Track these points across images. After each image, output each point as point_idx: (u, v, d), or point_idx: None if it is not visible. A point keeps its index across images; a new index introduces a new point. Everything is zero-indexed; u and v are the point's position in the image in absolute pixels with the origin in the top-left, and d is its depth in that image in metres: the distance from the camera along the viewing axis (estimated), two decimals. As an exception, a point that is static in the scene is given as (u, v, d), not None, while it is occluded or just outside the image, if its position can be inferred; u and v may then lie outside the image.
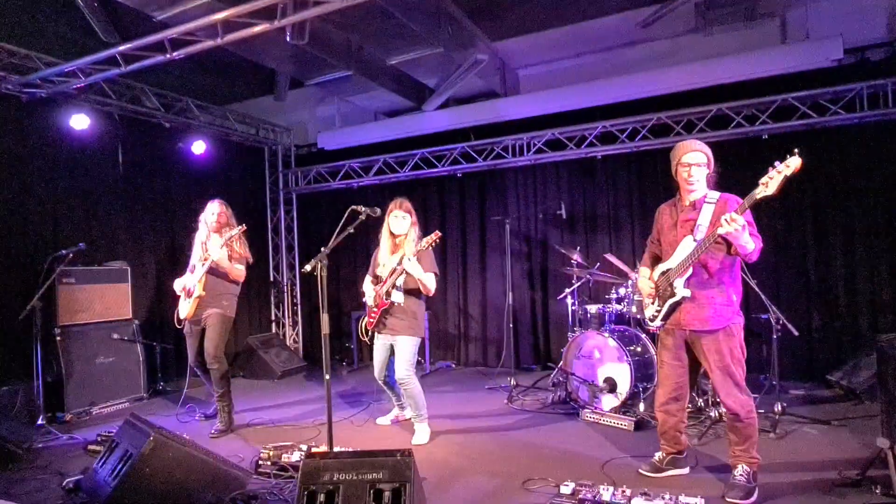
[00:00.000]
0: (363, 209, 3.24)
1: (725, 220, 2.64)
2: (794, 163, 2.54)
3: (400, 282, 3.88)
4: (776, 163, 2.57)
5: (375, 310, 3.98)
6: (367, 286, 4.12)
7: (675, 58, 5.62)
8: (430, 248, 3.68)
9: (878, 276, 5.04)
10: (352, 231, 3.15)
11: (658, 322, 3.10)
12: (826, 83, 5.03)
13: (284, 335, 7.77)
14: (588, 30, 5.58)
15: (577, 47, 5.95)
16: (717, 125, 5.39)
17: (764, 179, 2.60)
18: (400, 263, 3.80)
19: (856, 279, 5.14)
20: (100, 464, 2.97)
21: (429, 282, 3.85)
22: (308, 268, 2.95)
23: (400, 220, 3.93)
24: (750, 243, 2.74)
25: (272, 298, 7.85)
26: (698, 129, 5.45)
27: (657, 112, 5.61)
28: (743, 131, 5.31)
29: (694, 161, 2.96)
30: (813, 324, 5.23)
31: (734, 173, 4.17)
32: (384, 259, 4.00)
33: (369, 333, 4.09)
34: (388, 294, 3.89)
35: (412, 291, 3.94)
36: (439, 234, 3.68)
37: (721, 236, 2.76)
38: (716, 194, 2.98)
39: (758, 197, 2.63)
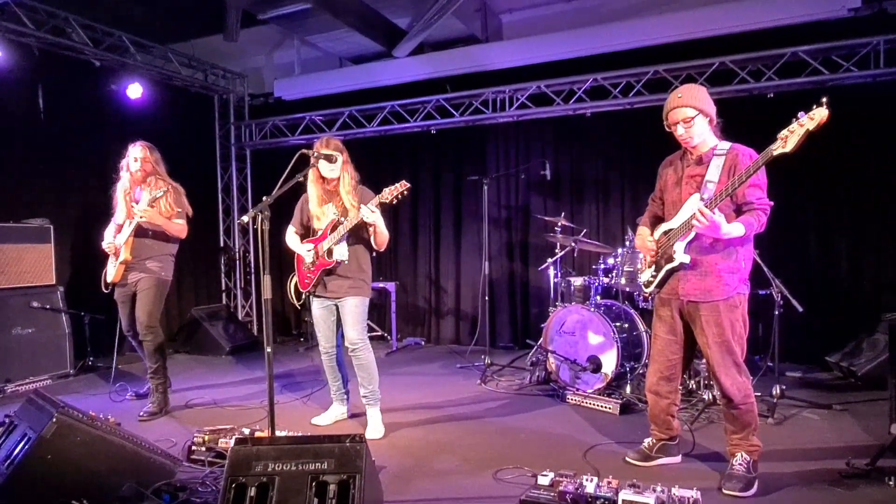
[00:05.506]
0: (315, 153, 2.92)
1: (695, 216, 2.53)
2: (819, 114, 2.29)
3: (341, 240, 3.48)
4: (800, 114, 2.33)
5: (313, 269, 3.57)
6: (293, 240, 3.68)
7: (675, 4, 5.33)
8: (394, 201, 3.27)
9: (885, 251, 4.92)
10: (301, 179, 2.83)
11: (652, 288, 2.91)
12: (840, 36, 4.81)
13: (236, 307, 7.43)
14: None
15: (568, -11, 5.64)
16: (718, 80, 5.15)
17: (783, 133, 2.36)
18: (344, 216, 3.41)
19: (861, 253, 5.02)
20: (-6, 449, 2.66)
21: (386, 235, 3.51)
22: (245, 219, 2.64)
23: (326, 161, 3.41)
24: (736, 231, 2.57)
25: (222, 266, 7.47)
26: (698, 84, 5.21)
27: (654, 65, 5.35)
28: (747, 87, 5.09)
29: (679, 118, 2.70)
30: (812, 301, 5.10)
31: (735, 136, 3.97)
32: (316, 210, 3.55)
33: (303, 297, 3.69)
34: (329, 252, 3.47)
35: (359, 242, 3.56)
36: (407, 184, 3.27)
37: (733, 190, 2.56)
38: (726, 145, 2.75)
39: (774, 153, 2.39)
